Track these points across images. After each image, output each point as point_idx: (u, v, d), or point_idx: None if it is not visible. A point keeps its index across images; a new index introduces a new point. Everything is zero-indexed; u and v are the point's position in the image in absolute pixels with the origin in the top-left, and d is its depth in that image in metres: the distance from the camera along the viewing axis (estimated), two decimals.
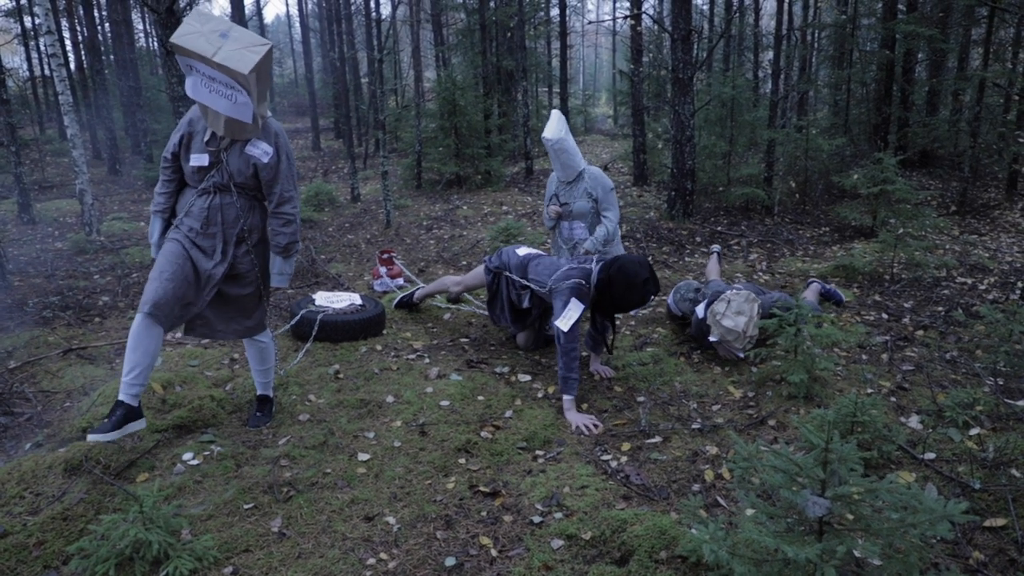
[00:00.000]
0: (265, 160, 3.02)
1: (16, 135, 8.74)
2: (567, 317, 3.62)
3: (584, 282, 3.72)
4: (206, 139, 3.00)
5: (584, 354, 4.18)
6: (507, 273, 4.23)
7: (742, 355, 4.05)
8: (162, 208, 3.18)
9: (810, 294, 4.93)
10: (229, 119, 2.86)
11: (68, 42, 18.35)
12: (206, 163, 3.01)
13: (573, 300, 3.66)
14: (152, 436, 3.29)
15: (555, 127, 4.49)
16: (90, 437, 2.73)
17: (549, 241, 5.02)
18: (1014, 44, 10.13)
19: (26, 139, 15.07)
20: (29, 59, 20.93)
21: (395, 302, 5.11)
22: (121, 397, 2.84)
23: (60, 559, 2.46)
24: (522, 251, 4.32)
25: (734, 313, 4.03)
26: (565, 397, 3.54)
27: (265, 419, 3.45)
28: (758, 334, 4.07)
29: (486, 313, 4.61)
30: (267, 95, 2.96)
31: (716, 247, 5.73)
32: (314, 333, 4.42)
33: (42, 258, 7.19)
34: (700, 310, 4.29)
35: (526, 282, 4.07)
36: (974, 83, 8.85)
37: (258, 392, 3.53)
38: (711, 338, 4.10)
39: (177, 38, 2.74)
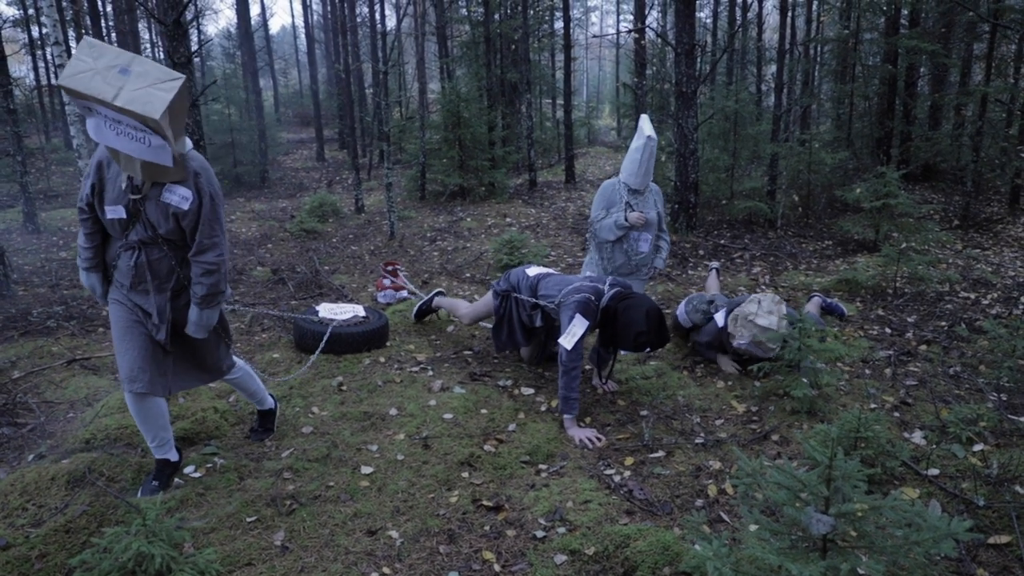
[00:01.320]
0: (185, 207, 2.64)
1: (22, 144, 8.79)
2: (571, 334, 3.58)
3: (593, 298, 3.67)
4: (122, 186, 2.63)
5: (587, 367, 4.16)
6: (516, 294, 4.13)
7: (773, 355, 4.01)
8: (92, 264, 2.82)
9: (812, 307, 4.93)
10: (145, 163, 2.50)
11: None
12: (124, 215, 2.65)
13: (578, 316, 3.61)
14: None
15: (651, 127, 4.38)
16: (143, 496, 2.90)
17: (592, 259, 4.75)
18: (1016, 60, 10.16)
19: (32, 148, 15.15)
20: (36, 68, 21.09)
21: (414, 312, 5.07)
22: (157, 456, 2.99)
23: (62, 572, 2.46)
24: (533, 271, 4.21)
25: (766, 312, 4.02)
26: (565, 416, 3.53)
27: (266, 432, 3.41)
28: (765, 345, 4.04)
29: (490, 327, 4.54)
30: (183, 130, 2.59)
31: (715, 263, 5.74)
32: (321, 346, 4.42)
33: (46, 267, 7.22)
34: (720, 318, 4.25)
35: (536, 300, 3.98)
36: (976, 98, 8.87)
37: (257, 408, 3.48)
38: (740, 342, 4.05)
39: (67, 79, 2.32)
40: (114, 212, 2.65)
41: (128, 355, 2.77)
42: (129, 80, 2.34)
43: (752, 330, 4.01)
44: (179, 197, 2.63)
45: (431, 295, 5.03)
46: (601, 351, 3.99)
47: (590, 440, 3.39)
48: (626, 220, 4.40)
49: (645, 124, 4.40)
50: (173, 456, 3.01)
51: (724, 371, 4.21)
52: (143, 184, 2.61)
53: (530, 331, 4.19)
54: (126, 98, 2.31)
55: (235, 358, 3.20)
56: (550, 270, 4.22)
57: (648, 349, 3.60)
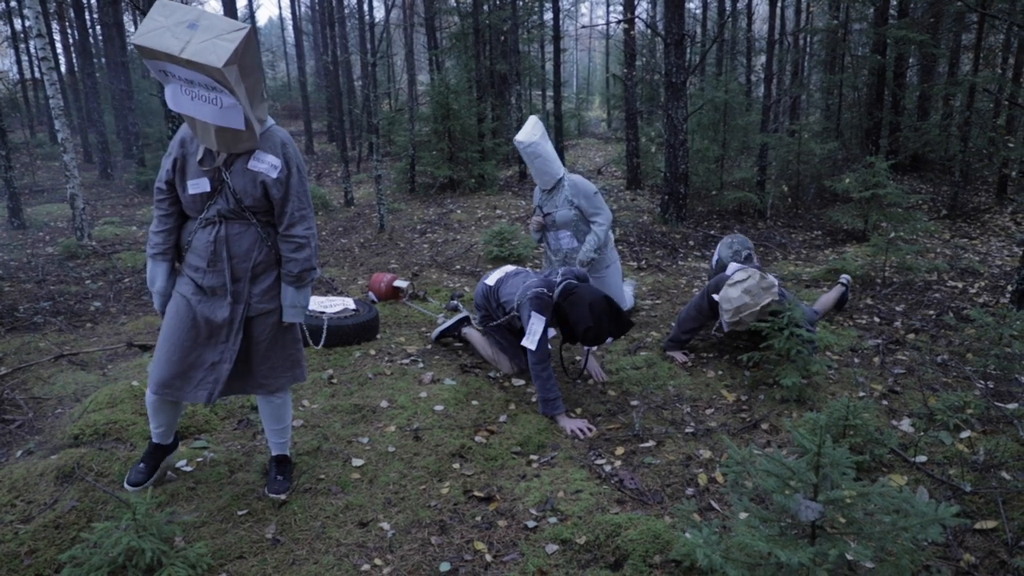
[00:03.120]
0: (274, 175, 2.53)
1: (6, 139, 8.69)
2: (532, 333, 3.49)
3: (546, 290, 3.58)
4: (199, 159, 2.54)
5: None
6: (492, 322, 4.00)
7: (724, 330, 4.00)
8: (161, 250, 2.67)
9: (832, 295, 4.95)
10: (219, 129, 2.40)
11: (59, 45, 18.28)
12: (208, 188, 2.54)
13: (534, 314, 3.51)
14: (145, 443, 3.28)
15: (528, 130, 4.39)
16: (129, 488, 2.84)
17: (540, 252, 4.96)
18: (1004, 50, 10.22)
19: (16, 143, 14.99)
20: (19, 62, 20.84)
21: (434, 335, 4.62)
22: (154, 441, 2.90)
23: (52, 568, 2.44)
24: (492, 278, 4.04)
25: (743, 291, 3.83)
26: (554, 415, 3.52)
27: (286, 483, 2.91)
28: (739, 323, 3.86)
29: (476, 320, 4.36)
30: (262, 93, 2.49)
31: (845, 277, 5.41)
32: (322, 340, 4.40)
33: (33, 263, 7.15)
34: (732, 268, 4.21)
35: (507, 314, 3.85)
36: (964, 88, 8.92)
37: (273, 452, 2.99)
38: (715, 295, 4.02)
39: (139, 37, 2.28)
40: (197, 186, 2.54)
41: (163, 361, 2.63)
42: (196, 34, 2.28)
43: (724, 292, 3.91)
44: (268, 165, 2.54)
45: (456, 319, 4.56)
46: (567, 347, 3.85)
47: (581, 430, 3.40)
48: (529, 224, 4.69)
49: (524, 126, 4.47)
50: (169, 440, 2.92)
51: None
52: (218, 155, 2.51)
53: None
54: (192, 50, 2.24)
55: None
56: (509, 269, 4.08)
57: (610, 339, 3.50)
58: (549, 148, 4.49)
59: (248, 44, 2.31)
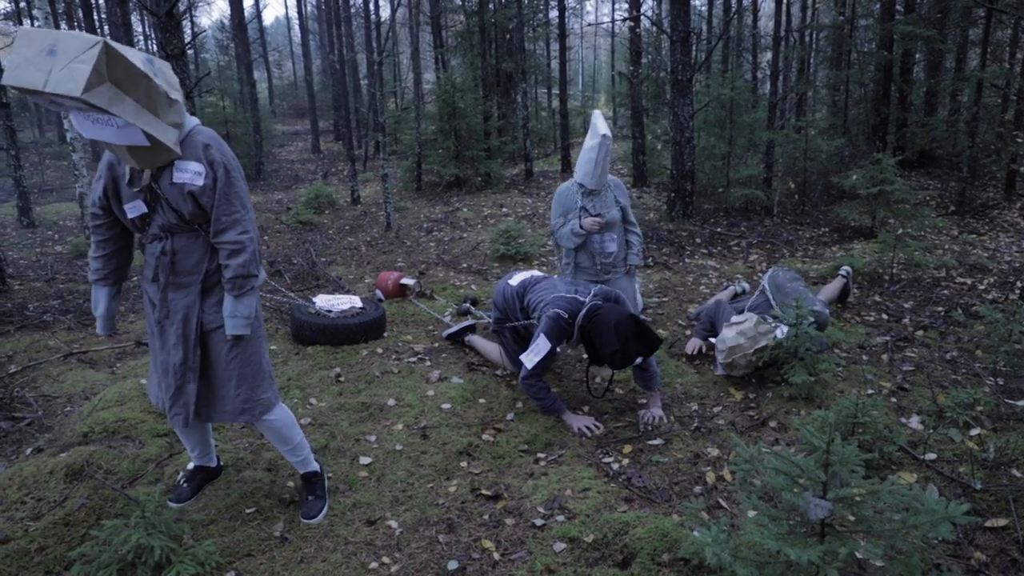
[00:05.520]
0: (200, 183, 2.36)
1: (16, 139, 8.74)
2: (533, 352, 3.38)
3: (566, 316, 3.40)
4: (128, 180, 2.40)
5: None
6: (511, 323, 3.85)
7: (719, 372, 3.92)
8: (102, 275, 2.55)
9: (834, 286, 4.95)
10: (130, 148, 2.25)
11: None
12: (144, 209, 2.41)
13: (542, 337, 3.38)
14: (154, 441, 3.29)
15: (605, 124, 4.17)
16: (172, 504, 2.80)
17: (559, 264, 4.56)
18: (1011, 44, 10.14)
19: (26, 142, 15.07)
20: None
21: (444, 334, 4.61)
22: (196, 463, 2.91)
23: (62, 565, 2.46)
24: (516, 279, 3.90)
25: (738, 332, 3.79)
26: (558, 415, 3.50)
27: (319, 503, 2.76)
28: (733, 365, 3.83)
29: (490, 321, 4.18)
30: (165, 96, 2.25)
31: (846, 269, 5.33)
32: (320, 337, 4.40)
33: (42, 262, 7.20)
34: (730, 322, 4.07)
35: (530, 318, 3.69)
36: (972, 83, 8.86)
37: (299, 471, 2.84)
38: (711, 339, 4.08)
39: (7, 76, 2.04)
40: (134, 209, 2.42)
41: (155, 374, 2.59)
42: (56, 60, 2.03)
43: (723, 334, 3.88)
44: (192, 173, 2.36)
45: (461, 326, 4.53)
46: (638, 371, 3.56)
47: (588, 428, 3.40)
48: (582, 227, 4.25)
49: (599, 121, 4.20)
50: (212, 463, 2.93)
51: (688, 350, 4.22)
52: (143, 172, 2.37)
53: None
54: (54, 81, 2.01)
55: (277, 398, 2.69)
56: (535, 273, 3.94)
57: (639, 360, 3.27)
58: None
59: (111, 57, 2.06)
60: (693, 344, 4.23)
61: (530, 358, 3.38)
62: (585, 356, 4.40)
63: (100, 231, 2.51)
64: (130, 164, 2.34)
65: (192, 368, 2.49)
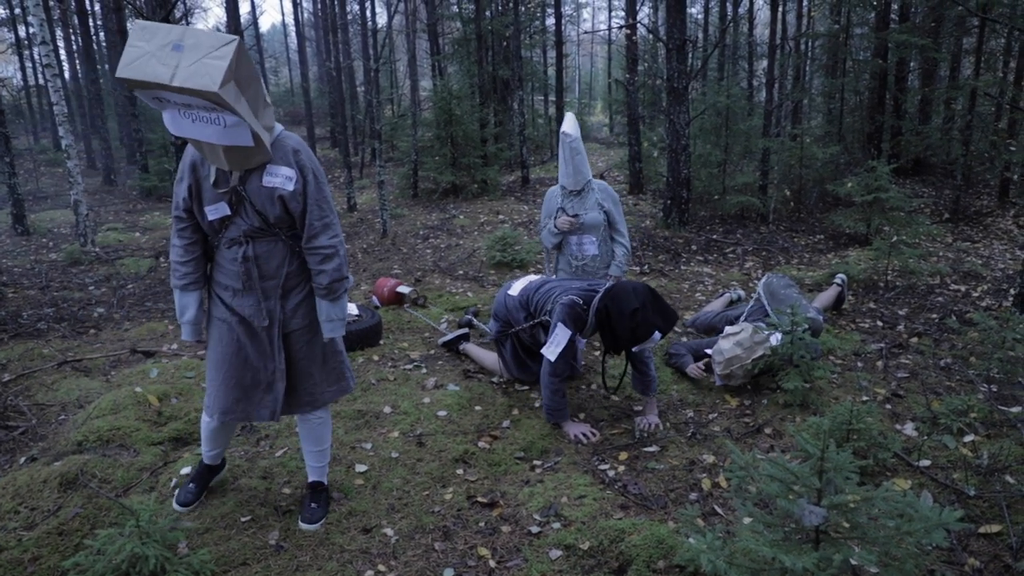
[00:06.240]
0: (290, 187, 2.38)
1: (10, 145, 8.73)
2: (554, 343, 3.34)
3: (581, 301, 3.39)
4: (213, 181, 2.40)
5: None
6: (513, 329, 3.84)
7: (717, 383, 3.91)
8: (191, 280, 2.54)
9: (830, 293, 4.96)
10: (227, 148, 2.26)
11: (63, 51, 18.35)
12: (228, 212, 2.42)
13: (560, 325, 3.35)
14: (148, 449, 3.28)
15: (573, 124, 4.20)
16: (178, 508, 2.81)
17: (545, 265, 4.56)
18: (1005, 54, 10.22)
19: (20, 149, 15.05)
20: (23, 69, 20.94)
21: (440, 342, 4.62)
22: (206, 463, 2.90)
23: (56, 575, 2.44)
24: (515, 288, 3.87)
25: (735, 343, 3.81)
26: (559, 423, 3.50)
27: (320, 511, 2.77)
28: (731, 376, 3.83)
29: (491, 332, 4.13)
30: (264, 99, 2.31)
31: (841, 277, 5.37)
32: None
33: (36, 269, 7.17)
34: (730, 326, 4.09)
35: (535, 320, 3.66)
36: (966, 92, 8.92)
37: (310, 478, 2.85)
38: (708, 351, 4.06)
39: (124, 69, 2.08)
40: (216, 212, 2.41)
41: (227, 387, 2.57)
42: (184, 55, 2.07)
43: (720, 345, 3.87)
44: (283, 178, 2.39)
45: (456, 334, 4.54)
46: (636, 374, 3.57)
47: (584, 435, 3.39)
48: (555, 227, 4.27)
49: (565, 122, 4.25)
50: (217, 461, 2.93)
51: (692, 375, 4.08)
52: (232, 174, 2.37)
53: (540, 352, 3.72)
54: (183, 76, 2.05)
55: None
56: (533, 278, 3.94)
57: (657, 335, 3.20)
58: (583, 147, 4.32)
59: (240, 56, 2.13)
60: (693, 370, 4.07)
61: (551, 349, 3.34)
62: (597, 352, 4.39)
63: (185, 234, 2.51)
64: (219, 165, 2.35)
65: (280, 369, 2.57)
